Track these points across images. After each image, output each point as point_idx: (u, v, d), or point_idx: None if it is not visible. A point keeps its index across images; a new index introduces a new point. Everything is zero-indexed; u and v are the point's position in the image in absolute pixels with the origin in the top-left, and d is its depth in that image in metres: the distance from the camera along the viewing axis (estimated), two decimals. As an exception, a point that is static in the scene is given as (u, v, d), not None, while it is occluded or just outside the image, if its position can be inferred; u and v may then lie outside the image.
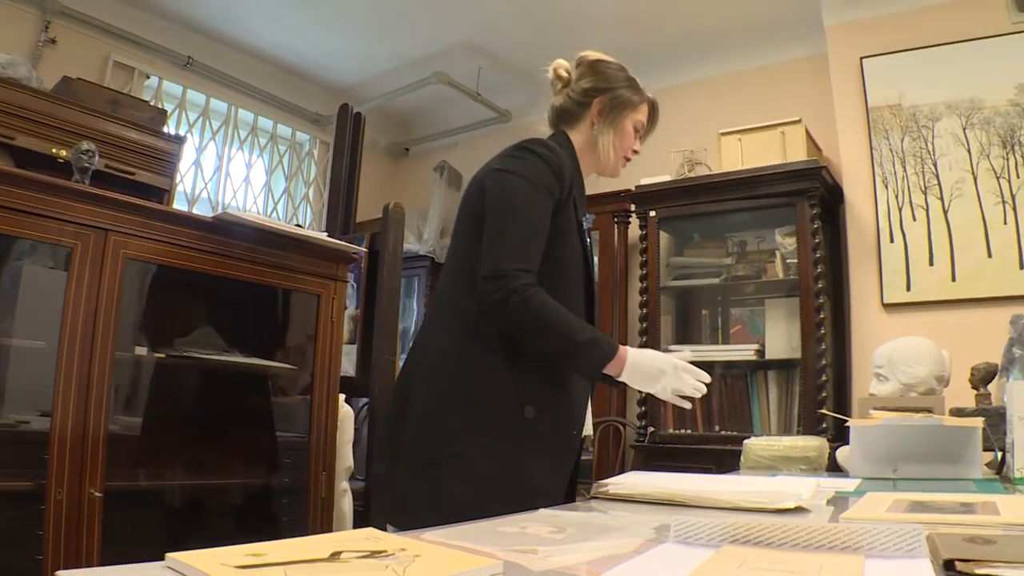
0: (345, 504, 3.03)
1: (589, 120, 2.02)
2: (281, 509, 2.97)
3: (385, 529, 1.73)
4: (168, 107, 4.96)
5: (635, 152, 2.10)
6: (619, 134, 2.03)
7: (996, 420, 2.46)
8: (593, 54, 2.09)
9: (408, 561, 0.89)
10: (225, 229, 2.71)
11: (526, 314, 1.67)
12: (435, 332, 1.87)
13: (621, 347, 1.76)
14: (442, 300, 1.91)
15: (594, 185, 5.34)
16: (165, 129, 4.35)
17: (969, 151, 3.96)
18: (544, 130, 2.08)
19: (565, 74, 2.07)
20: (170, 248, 2.58)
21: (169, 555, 0.86)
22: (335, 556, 0.91)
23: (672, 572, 0.89)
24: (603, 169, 2.09)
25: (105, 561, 0.80)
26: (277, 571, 0.83)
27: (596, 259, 1.95)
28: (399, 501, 1.76)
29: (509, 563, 0.95)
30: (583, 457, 2.06)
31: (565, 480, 1.86)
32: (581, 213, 1.96)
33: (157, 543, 0.84)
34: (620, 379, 1.78)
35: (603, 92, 2.02)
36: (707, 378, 1.84)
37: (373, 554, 0.93)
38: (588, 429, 2.05)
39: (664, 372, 1.79)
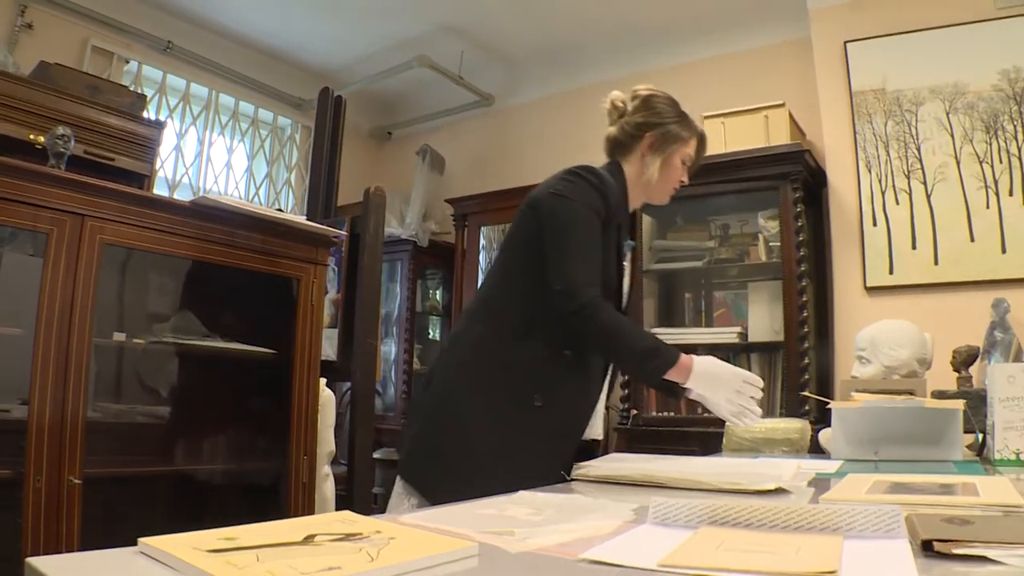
0: (327, 489, 3.02)
1: (640, 152, 2.14)
2: (262, 494, 2.95)
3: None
4: (148, 92, 4.90)
5: (682, 183, 2.22)
6: (667, 167, 2.15)
7: (977, 402, 2.48)
8: (646, 89, 2.20)
9: (382, 544, 0.89)
10: (203, 213, 2.68)
11: (597, 324, 1.86)
12: (470, 323, 2.07)
13: (685, 356, 1.89)
14: (481, 299, 2.12)
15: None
16: (145, 114, 4.31)
17: (952, 136, 3.96)
18: (600, 158, 2.21)
19: (621, 105, 2.20)
20: (148, 233, 2.55)
21: (142, 540, 0.86)
22: (309, 539, 0.91)
23: (649, 553, 0.89)
24: (651, 198, 2.23)
25: (85, 548, 0.81)
26: (249, 555, 0.83)
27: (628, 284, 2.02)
28: (410, 455, 2.00)
29: (485, 545, 0.95)
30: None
31: (561, 466, 1.90)
32: (623, 238, 2.11)
33: (137, 530, 0.83)
34: (687, 386, 1.91)
35: (654, 127, 2.13)
36: (760, 383, 1.95)
37: (347, 537, 0.93)
38: (599, 433, 2.20)
39: (722, 378, 1.92)
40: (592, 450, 2.21)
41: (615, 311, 1.92)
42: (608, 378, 2.16)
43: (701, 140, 2.22)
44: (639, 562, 0.86)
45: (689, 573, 0.81)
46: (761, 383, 1.95)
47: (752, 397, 1.93)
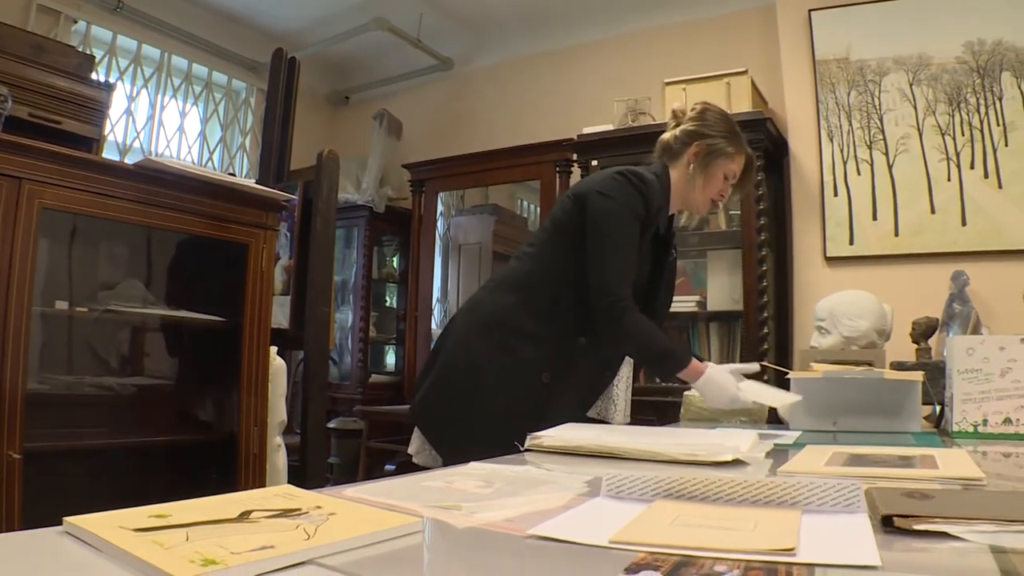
0: (279, 460, 2.97)
1: (686, 160, 2.26)
2: (212, 466, 2.90)
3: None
4: (97, 53, 4.77)
5: (722, 197, 2.32)
6: (708, 178, 2.25)
7: (935, 374, 2.48)
8: (703, 103, 2.34)
9: (321, 520, 0.87)
10: (148, 177, 2.60)
11: (623, 324, 2.03)
12: (498, 293, 2.21)
13: (700, 364, 2.11)
14: (513, 272, 2.24)
15: (536, 132, 5.27)
16: (93, 76, 4.18)
17: (915, 107, 3.97)
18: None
19: (680, 114, 2.32)
20: (90, 197, 2.47)
21: (67, 519, 0.82)
22: (244, 516, 0.88)
23: (600, 528, 0.86)
24: (688, 206, 2.34)
25: (27, 526, 0.78)
26: (179, 533, 0.79)
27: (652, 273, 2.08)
28: (422, 402, 2.18)
29: (430, 520, 0.92)
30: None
31: None
32: (667, 245, 2.30)
33: (82, 505, 0.80)
34: (692, 386, 2.14)
35: (703, 137, 2.24)
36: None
37: (285, 513, 0.90)
38: (619, 420, 2.38)
39: (722, 398, 2.12)
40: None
41: (640, 315, 2.05)
42: (630, 370, 2.38)
43: (749, 161, 2.32)
44: (589, 538, 0.83)
45: (640, 550, 0.78)
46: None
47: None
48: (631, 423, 2.39)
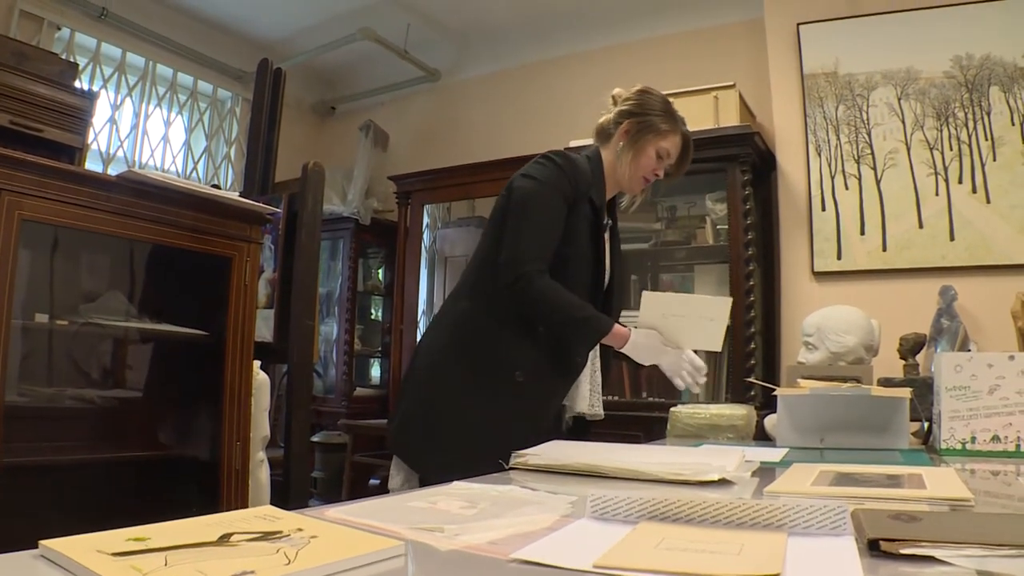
0: (262, 475, 2.94)
1: (617, 139, 2.24)
2: (194, 482, 2.87)
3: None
4: (80, 61, 4.74)
5: (656, 176, 2.28)
6: (639, 156, 2.21)
7: (924, 391, 2.48)
8: (645, 86, 2.31)
9: (302, 543, 0.86)
10: (130, 189, 2.57)
11: (531, 294, 2.00)
12: (455, 301, 2.22)
13: (620, 327, 2.11)
14: (465, 277, 2.23)
15: (523, 145, 5.26)
16: (77, 84, 4.16)
17: (903, 121, 3.97)
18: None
19: (619, 98, 2.30)
20: (71, 209, 2.42)
21: (43, 542, 0.81)
22: (224, 539, 0.87)
23: (584, 551, 0.86)
24: (621, 185, 2.30)
25: (4, 542, 0.78)
26: (157, 557, 0.78)
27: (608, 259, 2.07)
28: (398, 429, 2.16)
29: (412, 543, 0.91)
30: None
31: (543, 436, 1.97)
32: (602, 218, 2.22)
33: (61, 522, 0.80)
34: (623, 351, 2.13)
35: (635, 116, 2.22)
36: (704, 371, 2.21)
37: (265, 536, 0.89)
38: (585, 408, 2.33)
39: (664, 356, 2.15)
40: (587, 428, 2.40)
41: (552, 283, 2.02)
42: (598, 355, 2.33)
43: (685, 140, 2.28)
44: (573, 562, 0.82)
45: (624, 575, 0.77)
46: (704, 371, 2.21)
47: (691, 374, 2.17)
48: (616, 440, 2.37)
